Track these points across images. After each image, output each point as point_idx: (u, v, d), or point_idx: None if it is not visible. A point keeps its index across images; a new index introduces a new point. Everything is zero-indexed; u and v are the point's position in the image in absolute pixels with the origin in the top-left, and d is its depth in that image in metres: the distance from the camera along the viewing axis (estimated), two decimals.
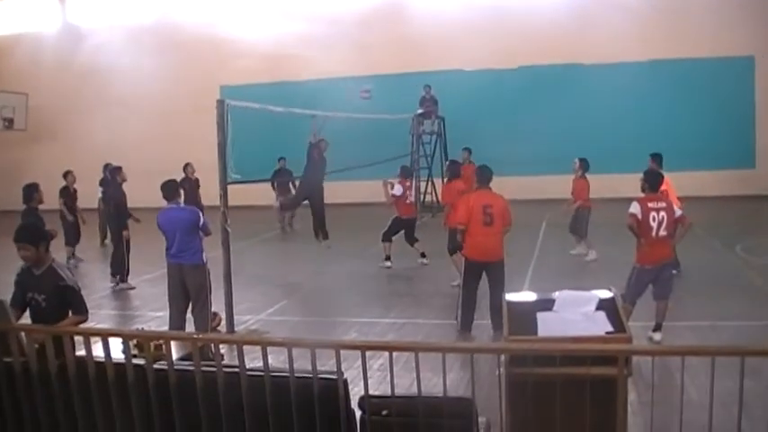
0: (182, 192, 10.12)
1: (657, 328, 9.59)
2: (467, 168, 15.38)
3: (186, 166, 18.62)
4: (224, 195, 10.25)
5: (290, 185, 20.60)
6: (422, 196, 24.27)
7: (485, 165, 11.25)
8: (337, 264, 16.10)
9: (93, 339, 4.63)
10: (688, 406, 4.72)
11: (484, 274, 10.37)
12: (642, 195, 9.69)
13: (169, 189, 10.00)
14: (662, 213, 9.38)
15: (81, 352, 4.59)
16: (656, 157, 13.06)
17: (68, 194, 17.00)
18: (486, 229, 10.16)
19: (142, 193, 15.88)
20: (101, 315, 12.01)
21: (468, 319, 10.30)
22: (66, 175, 17.31)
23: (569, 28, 25.55)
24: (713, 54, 24.61)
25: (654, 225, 9.36)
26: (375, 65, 26.56)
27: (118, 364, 4.50)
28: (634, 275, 9.61)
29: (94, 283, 14.97)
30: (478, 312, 10.43)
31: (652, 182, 9.70)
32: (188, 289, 9.65)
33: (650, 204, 9.45)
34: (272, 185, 21.06)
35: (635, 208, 9.47)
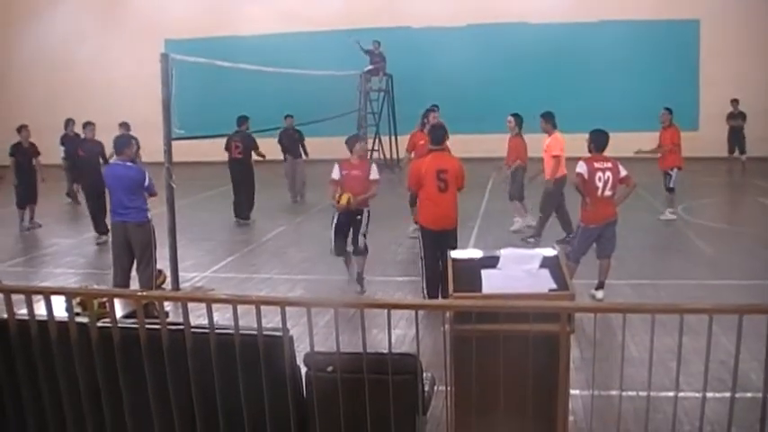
0: (133, 149, 9.83)
1: (600, 286, 9.76)
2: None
3: None
4: (168, 151, 10.11)
5: (301, 147, 18.77)
6: (369, 154, 24.25)
7: (439, 125, 10.91)
8: (283, 221, 16.05)
9: (35, 297, 4.55)
10: (628, 362, 4.81)
11: None
12: (588, 155, 9.77)
13: (119, 144, 9.77)
14: (607, 173, 9.47)
15: (22, 310, 4.52)
16: (548, 116, 13.12)
17: (21, 151, 15.68)
18: (441, 196, 9.45)
19: None
20: (43, 273, 11.87)
21: (435, 292, 9.46)
22: (21, 129, 15.86)
23: None
24: (660, 16, 24.84)
25: (599, 185, 9.44)
26: (323, 21, 26.28)
27: (61, 323, 4.44)
28: (579, 234, 9.74)
29: (42, 240, 14.79)
30: None
31: (598, 142, 9.75)
32: (132, 247, 9.54)
33: (596, 164, 9.52)
34: (281, 147, 18.76)
35: (581, 167, 9.53)
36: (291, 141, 18.62)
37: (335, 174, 10.52)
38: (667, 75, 24.98)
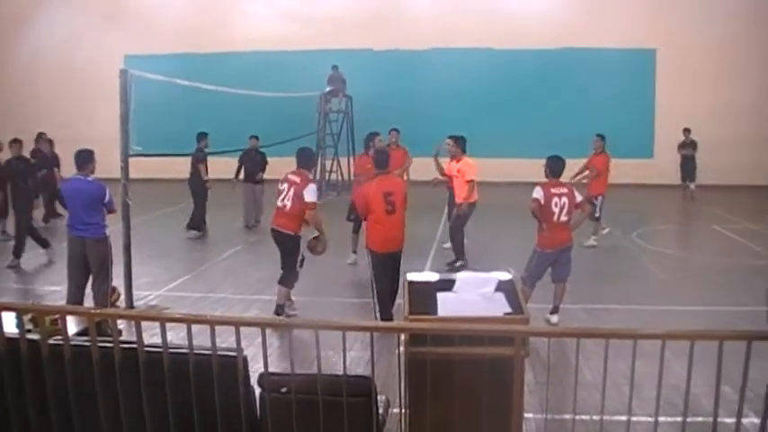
0: (94, 164, 9.72)
1: (555, 310, 9.84)
2: (394, 152, 13.83)
3: None
4: (125, 168, 10.04)
5: (261, 171, 17.52)
6: (327, 175, 24.31)
7: (383, 149, 11.07)
8: (239, 241, 15.98)
9: None
10: (582, 386, 4.85)
11: None
12: (545, 181, 9.85)
13: (81, 159, 9.61)
14: (564, 199, 9.57)
15: None
16: (458, 140, 13.17)
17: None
18: (390, 219, 9.58)
19: None
20: None
21: (388, 314, 9.65)
22: (12, 144, 14.78)
23: (479, 12, 25.88)
24: (618, 45, 25.22)
25: (556, 210, 9.54)
26: (283, 41, 26.33)
27: (11, 339, 4.37)
28: (534, 259, 9.79)
29: None
30: None
31: (554, 167, 9.83)
32: (89, 263, 9.44)
33: (553, 190, 9.61)
34: (238, 169, 17.66)
35: (538, 193, 9.60)
36: (253, 164, 17.49)
37: (313, 195, 9.90)
38: (624, 102, 25.41)
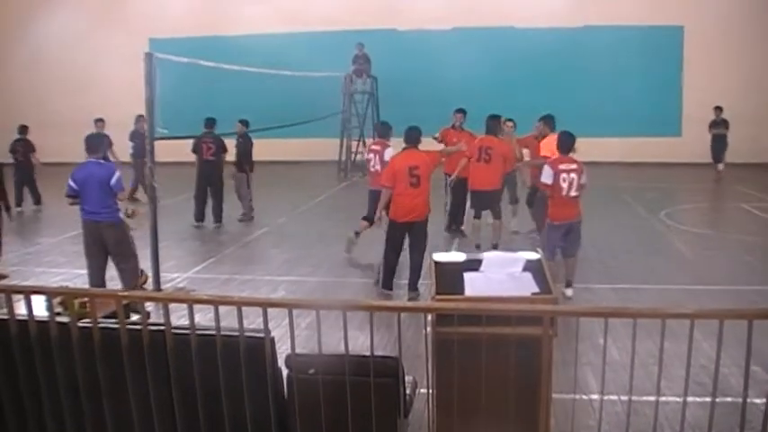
0: (106, 147, 9.79)
1: (569, 284, 10.00)
2: (459, 134, 14.07)
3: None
4: (151, 151, 10.07)
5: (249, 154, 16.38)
6: (353, 156, 24.25)
7: (414, 126, 11.21)
8: (266, 222, 16.00)
9: (15, 297, 4.51)
10: (610, 366, 4.81)
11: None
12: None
13: (92, 143, 9.72)
14: (572, 175, 9.78)
15: (2, 310, 4.47)
16: (548, 119, 12.86)
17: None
18: (414, 191, 10.02)
19: (65, 146, 15.73)
20: (24, 272, 11.78)
21: (389, 280, 10.36)
22: (97, 122, 17.49)
23: None
24: (644, 22, 24.94)
25: (564, 186, 9.78)
26: (307, 21, 26.27)
27: (41, 322, 4.40)
28: (545, 231, 9.94)
29: (25, 239, 14.69)
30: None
31: (564, 143, 10.01)
32: (106, 246, 9.41)
33: (561, 166, 9.82)
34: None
35: (547, 175, 9.80)
36: (237, 152, 16.35)
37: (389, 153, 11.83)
38: (651, 81, 25.08)
